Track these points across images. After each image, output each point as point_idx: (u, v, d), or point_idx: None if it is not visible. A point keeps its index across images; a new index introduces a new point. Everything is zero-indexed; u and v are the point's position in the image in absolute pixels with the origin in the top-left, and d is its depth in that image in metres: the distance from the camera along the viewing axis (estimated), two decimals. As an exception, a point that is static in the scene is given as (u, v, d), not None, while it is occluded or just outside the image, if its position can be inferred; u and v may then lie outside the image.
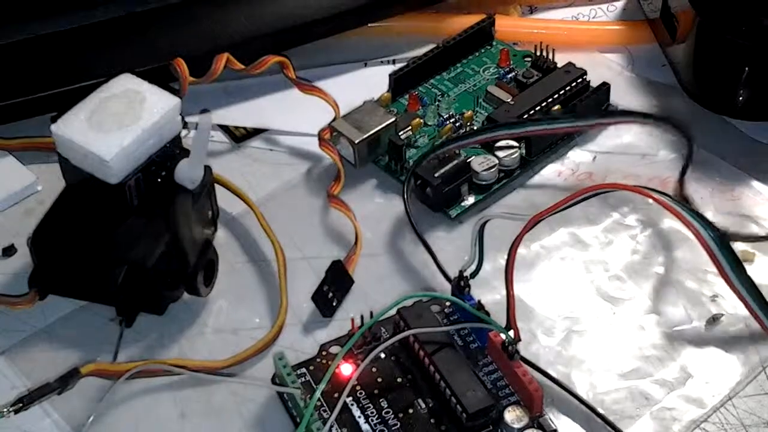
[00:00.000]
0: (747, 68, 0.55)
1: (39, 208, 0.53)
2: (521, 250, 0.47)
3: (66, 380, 0.44)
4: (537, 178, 0.56)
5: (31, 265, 0.49)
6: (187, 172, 0.49)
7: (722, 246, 0.42)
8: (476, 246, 0.47)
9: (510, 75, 0.59)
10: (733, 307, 0.49)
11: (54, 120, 0.48)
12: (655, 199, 0.43)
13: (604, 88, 0.57)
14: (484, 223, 0.46)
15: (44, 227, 0.48)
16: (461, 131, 0.56)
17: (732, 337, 0.48)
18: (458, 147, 0.53)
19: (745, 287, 0.43)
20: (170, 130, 0.49)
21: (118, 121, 0.48)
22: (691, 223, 0.42)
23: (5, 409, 0.42)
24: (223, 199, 0.53)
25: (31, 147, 0.56)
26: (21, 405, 0.42)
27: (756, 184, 0.55)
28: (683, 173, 0.53)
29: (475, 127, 0.57)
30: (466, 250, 0.51)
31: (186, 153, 0.49)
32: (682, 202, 0.42)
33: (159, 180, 0.49)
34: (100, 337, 0.48)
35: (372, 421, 0.44)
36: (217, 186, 0.52)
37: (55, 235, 0.48)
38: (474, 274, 0.48)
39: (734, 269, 0.43)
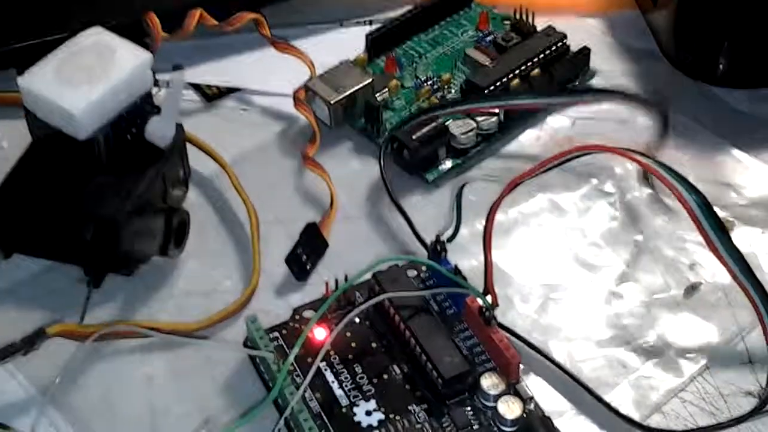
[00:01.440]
0: (728, 35, 0.54)
1: (3, 164, 0.51)
2: (499, 216, 0.47)
3: (32, 340, 0.42)
4: (515, 144, 0.55)
5: (-5, 223, 0.48)
6: (159, 130, 0.47)
7: (706, 210, 0.41)
8: (454, 210, 0.46)
9: (489, 38, 0.58)
10: (711, 276, 0.48)
11: (20, 73, 0.47)
12: (638, 162, 0.42)
13: (585, 52, 0.56)
14: (463, 186, 0.45)
15: (9, 183, 0.47)
16: (440, 95, 0.55)
17: (710, 306, 0.48)
18: (439, 115, 0.52)
19: (728, 252, 0.42)
20: (141, 85, 0.48)
21: (87, 75, 0.46)
22: (674, 186, 0.42)
23: (-32, 369, 0.41)
24: (195, 159, 0.52)
25: (-5, 102, 0.54)
26: (-15, 365, 0.41)
27: (736, 152, 0.54)
28: (657, 147, 0.52)
29: (452, 91, 0.56)
30: (442, 215, 0.51)
31: (157, 110, 0.48)
32: (665, 165, 0.42)
33: (129, 137, 0.47)
34: (66, 298, 0.47)
35: (346, 386, 0.44)
36: (188, 146, 0.51)
37: (20, 191, 0.46)
38: (451, 239, 0.47)
39: (718, 234, 0.42)
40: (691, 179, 0.51)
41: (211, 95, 0.57)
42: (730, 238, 0.42)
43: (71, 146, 0.46)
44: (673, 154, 0.53)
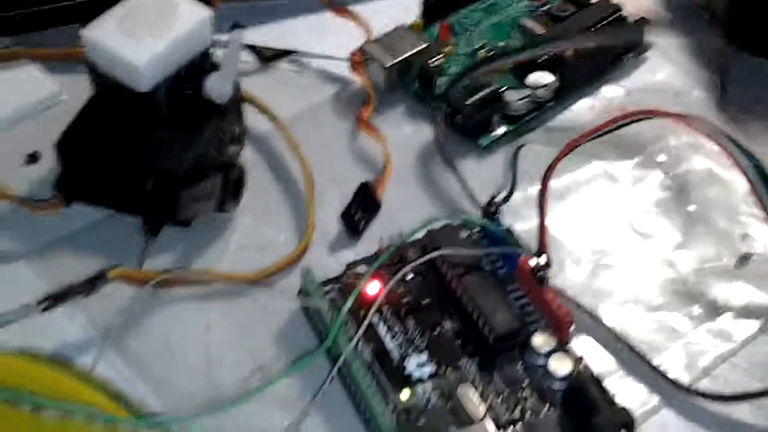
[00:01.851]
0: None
1: (64, 118, 0.52)
2: (552, 182, 0.47)
3: (93, 283, 0.43)
4: (568, 113, 0.55)
5: (55, 173, 0.48)
6: (217, 86, 0.48)
7: (762, 175, 0.41)
8: (511, 170, 0.46)
9: (544, 8, 0.58)
10: (764, 247, 0.48)
11: (84, 27, 0.47)
12: (695, 127, 0.42)
13: (641, 23, 0.56)
14: (520, 147, 0.46)
15: (72, 132, 0.47)
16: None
17: (762, 276, 0.48)
18: (492, 69, 0.52)
19: None
20: (201, 42, 0.48)
21: (149, 29, 0.47)
22: (731, 151, 0.42)
23: (32, 306, 0.41)
24: (251, 118, 0.52)
25: (57, 56, 0.55)
26: (48, 303, 0.41)
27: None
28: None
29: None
30: (494, 180, 0.51)
31: (216, 67, 0.48)
32: (722, 131, 0.42)
33: (188, 93, 0.48)
34: (124, 247, 0.47)
35: (398, 339, 0.44)
36: (245, 105, 0.51)
37: (82, 139, 0.47)
38: (505, 200, 0.47)
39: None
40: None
41: (268, 56, 0.57)
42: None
43: (132, 99, 0.47)
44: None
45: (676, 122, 0.43)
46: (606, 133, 0.43)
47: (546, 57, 0.54)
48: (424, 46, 0.54)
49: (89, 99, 0.49)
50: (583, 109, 0.55)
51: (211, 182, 0.47)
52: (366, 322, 0.43)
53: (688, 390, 0.43)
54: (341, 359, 0.42)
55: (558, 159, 0.44)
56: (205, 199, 0.48)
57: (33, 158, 0.51)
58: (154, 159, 0.46)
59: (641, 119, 0.43)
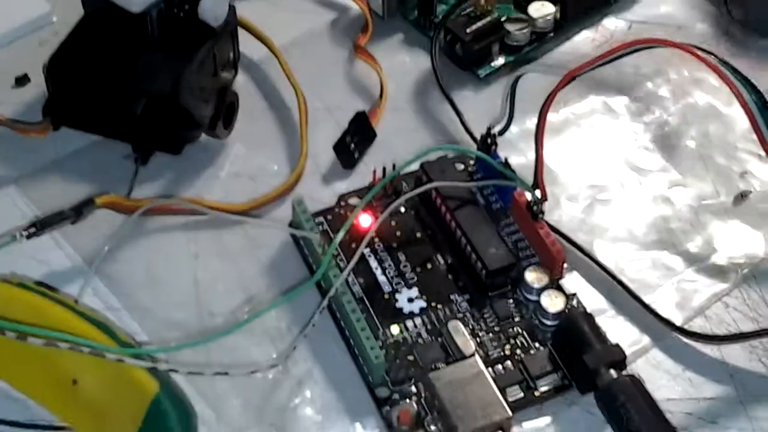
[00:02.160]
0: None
1: (54, 39, 0.51)
2: (550, 116, 0.46)
3: (80, 209, 0.42)
4: (569, 45, 0.54)
5: (45, 96, 0.47)
6: (212, 8, 0.47)
7: (763, 108, 0.41)
8: (507, 101, 0.45)
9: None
10: (761, 185, 0.48)
11: (75, -56, 0.46)
12: (697, 56, 0.41)
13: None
14: (518, 77, 0.45)
15: (61, 54, 0.46)
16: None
17: (759, 214, 0.47)
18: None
19: None
20: (196, -37, 0.47)
21: (143, -53, 0.46)
22: (733, 83, 0.41)
23: (17, 233, 0.41)
24: (246, 43, 0.51)
25: (48, -24, 0.54)
26: (34, 230, 0.41)
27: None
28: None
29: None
30: (492, 111, 0.50)
31: (211, -11, 0.47)
32: (726, 62, 0.41)
33: (181, 14, 0.47)
34: (113, 173, 0.47)
35: (389, 273, 0.44)
36: (239, 30, 0.50)
37: (72, 62, 0.46)
38: (502, 132, 0.46)
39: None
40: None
41: (264, -20, 0.56)
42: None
43: (124, 20, 0.46)
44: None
45: (680, 51, 0.42)
46: (605, 63, 0.42)
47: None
48: (424, -28, 0.53)
49: (80, 20, 0.48)
50: (584, 42, 0.54)
51: (202, 107, 0.47)
52: (357, 256, 0.42)
53: (680, 329, 0.43)
54: (331, 291, 0.41)
55: (556, 90, 0.43)
56: (196, 124, 0.47)
57: (22, 81, 0.50)
58: (144, 82, 0.45)
59: (641, 49, 0.42)
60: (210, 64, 0.47)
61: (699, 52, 0.40)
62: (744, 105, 0.41)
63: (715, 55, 0.41)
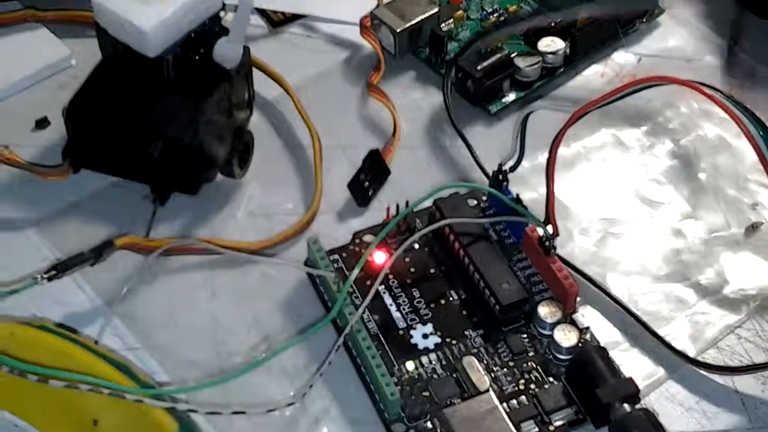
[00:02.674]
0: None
1: (73, 82, 0.52)
2: (562, 150, 0.46)
3: (100, 251, 0.43)
4: (579, 79, 0.55)
5: (64, 138, 0.48)
6: (226, 51, 0.48)
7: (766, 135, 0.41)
8: (518, 138, 0.46)
9: (556, -28, 0.58)
10: (773, 216, 0.48)
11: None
12: (703, 93, 0.41)
13: (653, -11, 0.56)
14: (528, 114, 0.45)
15: (80, 98, 0.47)
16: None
17: (771, 246, 0.48)
18: (502, 35, 0.52)
19: None
20: (210, 6, 0.48)
21: (158, -7, 0.47)
22: (739, 118, 0.41)
23: (39, 276, 0.41)
24: (260, 83, 0.52)
25: (66, 20, 0.55)
26: (55, 273, 0.42)
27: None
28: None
29: (519, 23, 0.55)
30: (503, 147, 0.50)
31: (225, 32, 0.48)
32: (731, 97, 0.41)
33: (197, 57, 0.48)
34: (132, 214, 0.48)
35: (403, 309, 0.44)
36: (254, 71, 0.51)
37: (90, 106, 0.47)
38: (514, 168, 0.47)
39: None
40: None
41: (277, 21, 0.57)
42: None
43: (140, 64, 0.47)
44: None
45: (687, 89, 0.42)
46: (614, 101, 0.43)
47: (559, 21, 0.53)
48: (434, 10, 0.54)
49: (98, 64, 0.49)
50: (594, 76, 0.54)
51: (218, 149, 0.47)
52: (372, 293, 0.43)
53: (693, 361, 0.43)
54: (347, 329, 0.42)
55: (565, 128, 0.43)
56: (213, 165, 0.48)
57: (42, 123, 0.51)
58: (161, 125, 0.46)
59: (650, 86, 0.43)
60: (225, 105, 0.48)
61: (705, 89, 0.41)
62: (751, 139, 0.41)
63: (721, 92, 0.41)
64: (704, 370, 0.43)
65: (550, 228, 0.44)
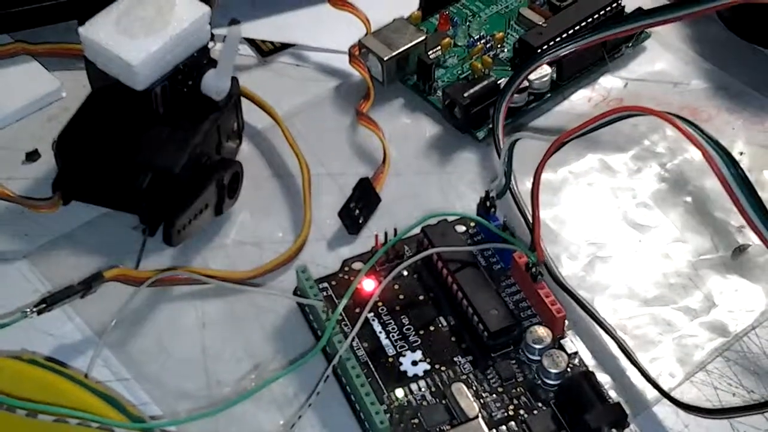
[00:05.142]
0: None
1: (63, 114, 0.53)
2: (549, 175, 0.47)
3: (89, 283, 0.43)
4: (566, 104, 0.55)
5: (54, 170, 0.49)
6: (214, 83, 0.48)
7: (735, 172, 0.40)
8: (504, 165, 0.46)
9: (543, -2, 0.58)
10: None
11: (82, 24, 0.48)
12: (675, 125, 0.41)
13: (639, 14, 0.56)
14: (515, 141, 0.46)
15: (69, 131, 0.48)
16: (492, 54, 0.55)
17: (758, 268, 0.48)
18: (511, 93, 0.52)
19: (759, 215, 0.40)
20: (198, 38, 0.49)
21: (146, 27, 0.47)
22: (712, 157, 0.41)
23: (28, 310, 0.42)
24: (249, 113, 0.53)
25: (56, 53, 0.55)
26: (44, 306, 0.42)
27: (789, 116, 0.54)
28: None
29: (505, 50, 0.56)
30: (492, 173, 0.51)
31: (213, 64, 0.49)
32: (701, 130, 0.41)
33: (185, 89, 0.48)
34: (122, 245, 0.48)
35: (393, 336, 0.44)
36: (243, 100, 0.52)
37: (80, 139, 0.48)
38: (501, 195, 0.47)
39: (746, 195, 0.40)
40: (741, 141, 0.52)
41: (266, 51, 0.57)
42: (759, 199, 0.40)
43: (129, 97, 0.47)
44: (725, 116, 0.53)
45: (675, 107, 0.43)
46: (591, 131, 0.43)
47: (545, 47, 0.54)
48: (422, 38, 0.54)
49: (87, 97, 0.49)
50: (581, 101, 0.55)
51: (207, 180, 0.48)
52: (360, 321, 0.43)
53: (668, 396, 0.43)
54: (336, 358, 0.42)
55: (548, 154, 0.44)
56: (201, 219, 0.48)
57: (32, 156, 0.52)
58: (150, 157, 0.47)
59: (627, 117, 0.43)
60: (214, 136, 0.49)
61: (678, 122, 0.41)
62: (720, 174, 0.40)
63: (696, 126, 0.41)
64: (681, 409, 0.42)
65: (536, 254, 0.44)
